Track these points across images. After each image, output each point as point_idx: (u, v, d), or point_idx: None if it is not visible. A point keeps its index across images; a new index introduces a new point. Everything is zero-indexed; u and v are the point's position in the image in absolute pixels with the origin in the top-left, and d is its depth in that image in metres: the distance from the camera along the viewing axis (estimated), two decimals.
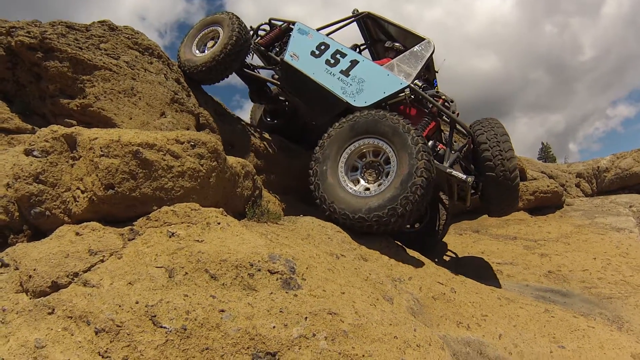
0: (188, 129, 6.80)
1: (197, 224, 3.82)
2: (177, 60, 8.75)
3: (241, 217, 4.69)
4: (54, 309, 3.01)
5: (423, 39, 7.90)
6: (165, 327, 2.86)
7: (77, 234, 3.69)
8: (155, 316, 2.91)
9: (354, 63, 7.62)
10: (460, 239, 9.62)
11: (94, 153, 3.81)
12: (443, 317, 4.61)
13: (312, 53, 7.99)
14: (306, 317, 3.08)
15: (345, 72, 7.58)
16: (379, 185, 6.00)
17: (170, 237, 3.59)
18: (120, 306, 2.95)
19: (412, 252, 5.94)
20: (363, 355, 3.02)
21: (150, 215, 3.88)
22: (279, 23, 9.30)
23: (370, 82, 7.37)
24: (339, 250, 4.57)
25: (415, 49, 7.72)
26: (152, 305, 2.96)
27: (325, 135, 6.49)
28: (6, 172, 4.17)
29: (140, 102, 6.75)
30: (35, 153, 3.99)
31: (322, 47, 8.00)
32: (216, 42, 8.54)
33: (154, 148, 3.97)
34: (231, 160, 4.78)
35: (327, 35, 8.45)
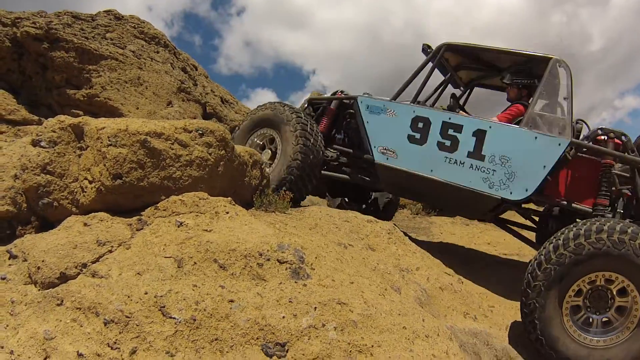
0: (195, 118, 6.78)
1: (205, 213, 3.81)
2: None
3: (249, 207, 4.67)
4: (62, 300, 3.01)
5: (546, 59, 5.49)
6: (174, 318, 2.87)
7: (85, 224, 3.68)
8: (164, 307, 2.91)
9: (481, 135, 5.42)
10: (467, 230, 9.59)
11: (101, 143, 3.79)
12: (450, 308, 4.61)
13: (412, 139, 5.77)
14: (315, 307, 3.08)
15: (477, 155, 5.41)
16: (606, 327, 4.35)
17: (178, 226, 3.59)
18: (129, 297, 2.95)
19: (419, 243, 5.90)
20: (372, 346, 3.02)
21: (158, 205, 3.87)
22: (323, 102, 6.95)
23: (519, 158, 5.23)
24: (346, 240, 4.56)
25: (547, 80, 5.40)
26: (161, 296, 2.96)
27: (543, 259, 4.38)
28: (14, 163, 4.16)
29: (146, 91, 6.76)
30: (42, 144, 3.99)
31: (421, 126, 5.74)
32: (274, 154, 6.18)
33: (162, 137, 3.95)
34: (239, 149, 4.75)
35: (416, 102, 6.10)
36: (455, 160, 5.48)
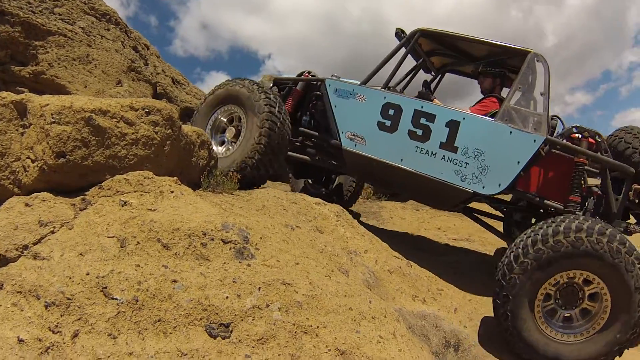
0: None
1: (150, 192, 3.74)
2: None
3: (196, 187, 4.62)
4: (2, 284, 2.91)
5: (524, 53, 5.42)
6: (116, 299, 2.81)
7: (26, 205, 3.58)
8: (106, 287, 2.85)
9: (455, 126, 5.28)
10: (417, 215, 9.69)
11: (44, 120, 3.68)
12: (399, 291, 4.65)
13: (382, 126, 5.59)
14: (259, 288, 3.06)
15: (449, 145, 5.28)
16: (572, 324, 4.46)
17: (122, 206, 3.52)
18: (70, 278, 2.88)
19: (369, 227, 5.91)
20: (317, 327, 3.02)
21: (102, 184, 3.79)
22: (289, 83, 6.76)
23: (493, 152, 5.15)
24: (294, 221, 4.54)
25: (524, 74, 5.36)
26: (103, 277, 2.90)
27: (520, 252, 4.37)
28: None
29: (95, 69, 6.60)
30: None
31: (392, 113, 5.57)
32: (239, 132, 5.85)
33: (107, 115, 3.86)
34: (187, 129, 4.68)
35: (387, 87, 5.97)
36: (427, 150, 5.35)
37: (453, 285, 5.49)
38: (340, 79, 6.14)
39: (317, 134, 6.36)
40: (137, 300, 2.82)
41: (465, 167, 5.19)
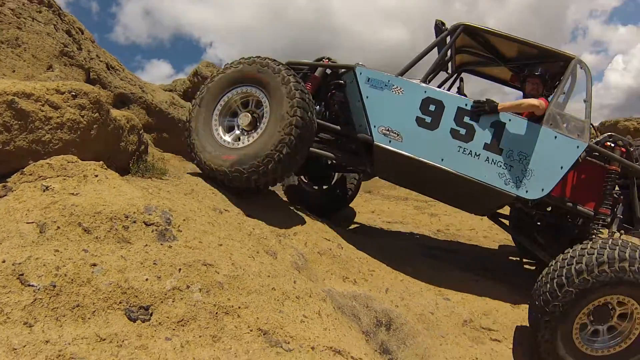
0: None
1: (73, 177, 3.66)
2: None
3: (125, 173, 4.56)
4: None
5: (568, 59, 5.36)
6: (33, 285, 2.76)
7: None
8: (22, 274, 2.79)
9: (500, 128, 5.11)
10: None
11: None
12: (329, 272, 4.71)
13: (421, 122, 5.24)
14: (180, 269, 3.08)
15: (494, 147, 5.10)
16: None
17: (44, 191, 3.45)
18: None
19: (298, 209, 5.94)
20: (239, 307, 3.06)
21: (24, 170, 3.69)
22: (304, 68, 6.12)
23: (537, 156, 5.02)
24: (222, 205, 4.55)
25: (567, 80, 5.30)
26: (19, 263, 2.83)
27: (549, 296, 4.30)
28: None
29: (25, 53, 6.40)
30: None
31: (433, 109, 5.22)
32: (258, 119, 5.24)
33: (31, 98, 3.76)
34: (115, 113, 4.60)
35: (427, 80, 5.61)
36: (470, 151, 5.12)
37: (385, 266, 5.56)
38: (366, 67, 5.62)
39: (339, 127, 5.88)
40: (54, 286, 2.78)
41: (510, 170, 5.05)
